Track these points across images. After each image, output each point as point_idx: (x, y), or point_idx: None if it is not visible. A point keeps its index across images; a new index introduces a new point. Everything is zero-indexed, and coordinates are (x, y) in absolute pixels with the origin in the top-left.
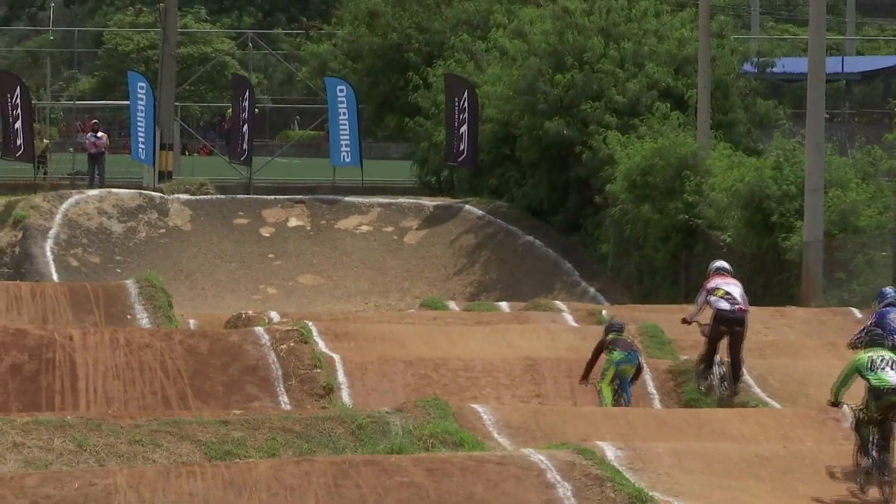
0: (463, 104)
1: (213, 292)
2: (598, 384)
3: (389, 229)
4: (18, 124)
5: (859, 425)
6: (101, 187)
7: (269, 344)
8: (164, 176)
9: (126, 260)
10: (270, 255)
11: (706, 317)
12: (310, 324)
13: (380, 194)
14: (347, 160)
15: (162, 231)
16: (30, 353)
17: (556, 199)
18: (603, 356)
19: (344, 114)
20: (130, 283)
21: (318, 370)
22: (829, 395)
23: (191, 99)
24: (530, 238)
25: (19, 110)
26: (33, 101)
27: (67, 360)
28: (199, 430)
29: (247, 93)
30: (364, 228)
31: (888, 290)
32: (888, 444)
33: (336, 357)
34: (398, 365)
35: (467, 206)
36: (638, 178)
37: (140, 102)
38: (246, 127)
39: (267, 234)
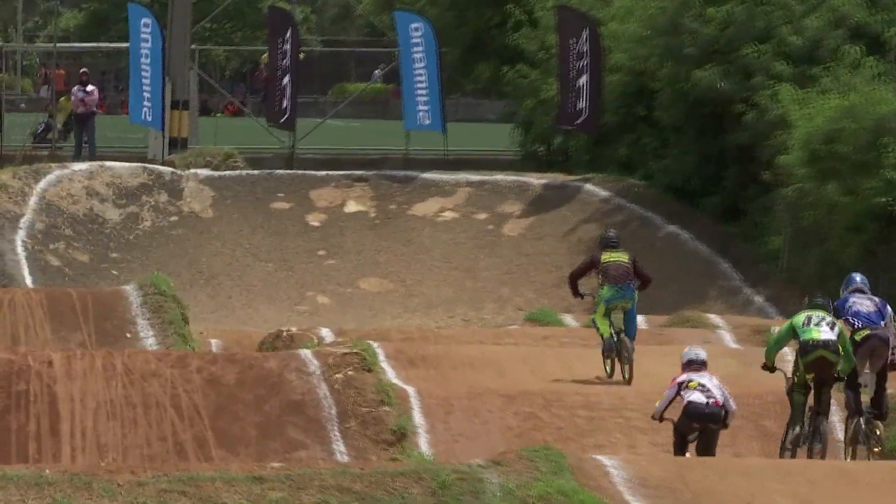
0: (581, 47)
1: (243, 301)
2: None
3: (482, 217)
4: None
5: (791, 392)
6: (91, 160)
7: (319, 372)
8: (176, 144)
9: (125, 258)
10: (321, 252)
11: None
12: (375, 345)
13: (469, 169)
14: (426, 123)
15: (174, 219)
16: None
17: (709, 176)
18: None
19: (420, 61)
20: (131, 290)
21: (387, 408)
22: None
23: (213, 41)
24: (674, 228)
25: None
26: None
27: (45, 393)
28: (225, 491)
29: (288, 32)
30: (448, 215)
31: (856, 275)
32: (823, 413)
33: (410, 390)
34: (495, 400)
35: (587, 186)
36: (821, 147)
37: (144, 45)
38: (287, 78)
39: (316, 224)
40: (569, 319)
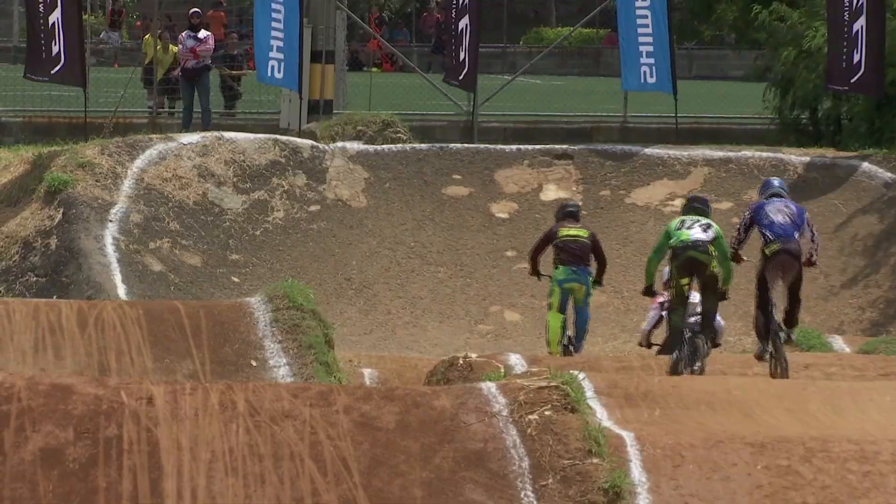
0: None
1: (405, 318)
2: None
3: (725, 206)
4: (55, 17)
5: (671, 312)
6: (204, 130)
7: (506, 413)
8: (317, 109)
9: (249, 260)
10: (509, 253)
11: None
12: (581, 376)
13: (707, 143)
14: (650, 82)
15: (315, 209)
16: (77, 429)
17: None
18: None
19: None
20: (257, 303)
21: (596, 460)
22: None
23: None
24: None
25: None
26: None
27: (144, 440)
28: None
29: None
30: (678, 204)
31: (774, 179)
32: (707, 328)
33: (627, 436)
34: (739, 451)
35: (866, 165)
36: None
37: None
38: (466, 21)
39: (504, 215)
40: (839, 343)
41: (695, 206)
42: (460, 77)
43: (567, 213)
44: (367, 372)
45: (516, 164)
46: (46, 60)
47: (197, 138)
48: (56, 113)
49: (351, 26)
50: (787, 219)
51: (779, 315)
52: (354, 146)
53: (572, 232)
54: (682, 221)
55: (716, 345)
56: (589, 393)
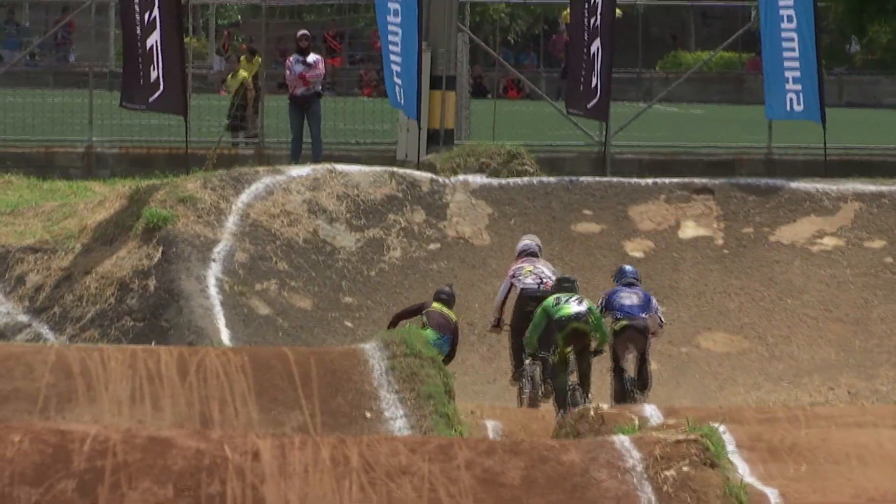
0: None
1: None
2: None
3: (878, 245)
4: (152, 42)
5: (554, 374)
6: (315, 162)
7: (641, 468)
8: (437, 139)
9: (364, 303)
10: None
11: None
12: (722, 429)
13: (859, 175)
14: (797, 110)
15: (434, 247)
16: (177, 486)
17: None
18: None
19: (790, 20)
20: (372, 349)
21: None
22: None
23: None
24: None
25: (152, 13)
26: None
27: (250, 497)
28: None
29: None
30: (828, 243)
31: (627, 267)
32: (584, 386)
33: (772, 494)
34: None
35: None
36: None
37: None
38: (597, 45)
39: (639, 254)
40: None
41: (564, 285)
42: (589, 105)
43: (439, 299)
44: (490, 424)
45: (652, 199)
46: (144, 87)
47: (307, 171)
48: (155, 143)
49: (474, 49)
50: (636, 302)
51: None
52: (477, 179)
53: (435, 308)
54: (558, 299)
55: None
56: (730, 447)
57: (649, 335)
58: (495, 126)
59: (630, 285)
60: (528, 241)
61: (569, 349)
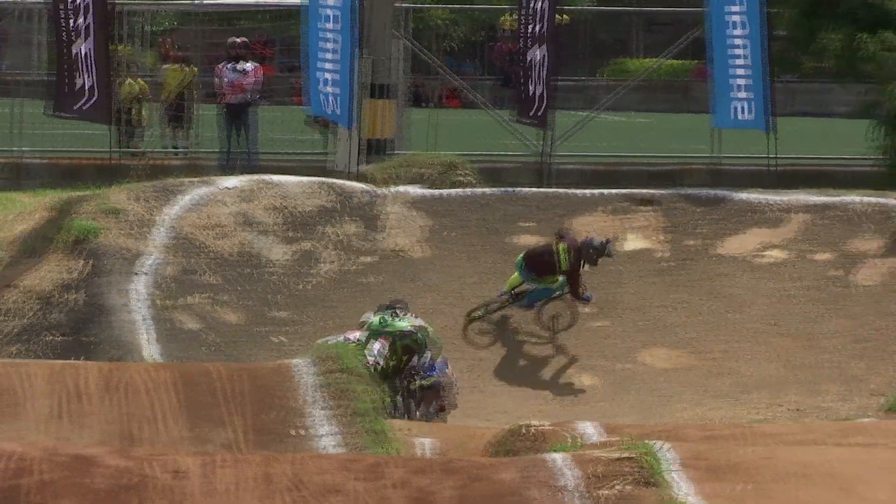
0: None
1: (470, 382)
2: None
3: (825, 257)
4: (83, 49)
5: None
6: (247, 172)
7: (578, 487)
8: (375, 149)
9: (296, 317)
10: (584, 309)
11: None
12: (664, 446)
13: (807, 187)
14: (745, 119)
15: (369, 260)
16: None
17: None
18: None
19: (739, 26)
20: (303, 365)
21: None
22: None
23: None
24: None
25: (86, 20)
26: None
27: None
28: None
29: None
30: (774, 255)
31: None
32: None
33: None
34: None
35: None
36: None
37: (325, 1)
38: (540, 52)
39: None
40: None
41: (395, 308)
42: (531, 113)
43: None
44: (425, 442)
45: (594, 211)
46: (74, 95)
47: (238, 182)
48: (83, 154)
49: (415, 57)
50: None
51: None
52: (415, 190)
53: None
54: (384, 318)
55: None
56: (672, 465)
57: None
58: (435, 136)
59: None
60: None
61: (403, 360)
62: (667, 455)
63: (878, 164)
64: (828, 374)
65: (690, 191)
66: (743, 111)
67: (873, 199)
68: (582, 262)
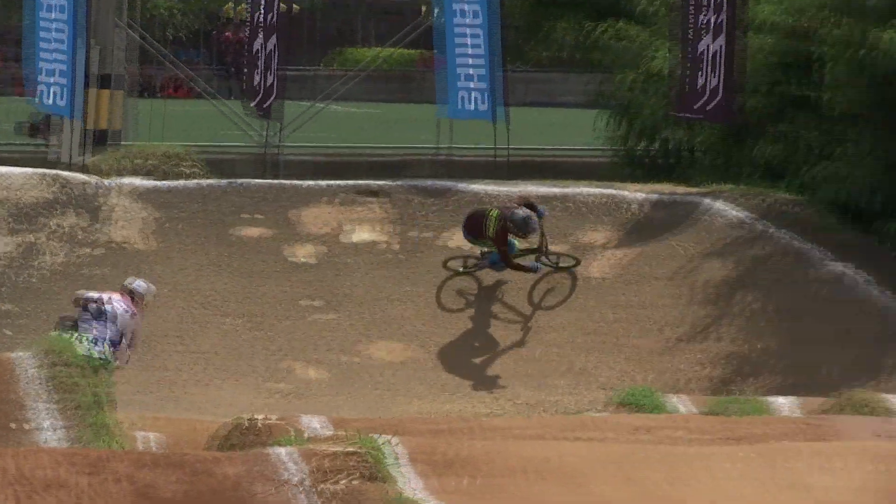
0: None
1: (195, 375)
2: None
3: (554, 248)
4: None
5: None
6: None
7: (303, 482)
8: (101, 140)
9: (20, 311)
10: (309, 302)
11: None
12: (387, 441)
13: (537, 177)
14: (479, 108)
15: (94, 252)
16: None
17: None
18: None
19: (470, 15)
20: (24, 358)
21: None
22: None
23: None
24: (842, 267)
25: None
26: None
27: None
28: None
29: None
30: None
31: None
32: None
33: None
34: None
35: (714, 203)
36: None
37: None
38: (269, 42)
39: (304, 259)
40: (680, 403)
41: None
42: (257, 103)
43: None
44: (149, 436)
45: (321, 202)
46: None
47: None
48: None
49: (143, 47)
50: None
51: None
52: (140, 182)
53: None
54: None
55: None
56: (401, 460)
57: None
58: (162, 127)
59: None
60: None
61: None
62: (394, 449)
63: (608, 154)
64: (556, 368)
65: (419, 182)
66: (474, 101)
67: (603, 190)
68: (510, 231)
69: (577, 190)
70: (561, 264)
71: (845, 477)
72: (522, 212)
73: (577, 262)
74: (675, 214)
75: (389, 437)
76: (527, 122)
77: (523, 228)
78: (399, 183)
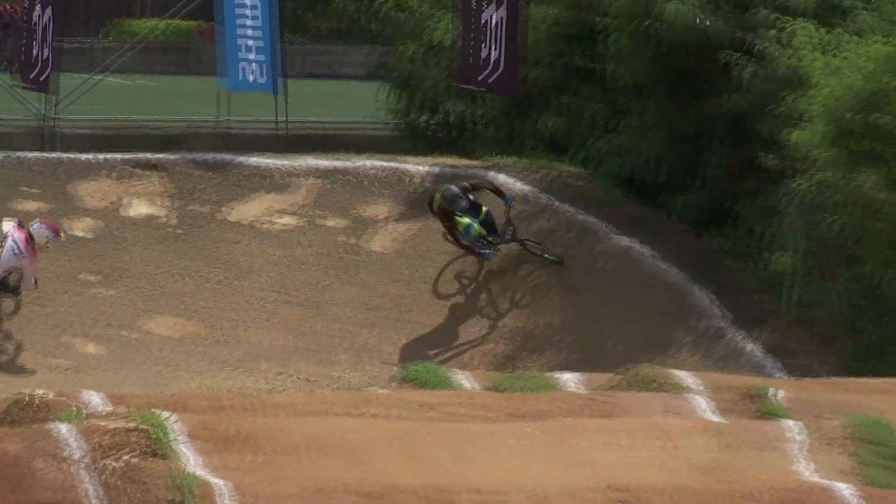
0: None
1: None
2: None
3: (335, 223)
4: None
5: None
6: None
7: (84, 458)
8: None
9: None
10: (88, 276)
11: None
12: (169, 418)
13: (317, 150)
14: (257, 81)
15: None
16: None
17: (684, 163)
18: None
19: None
20: None
21: None
22: None
23: None
24: (627, 241)
25: None
26: None
27: None
28: None
29: None
30: (284, 222)
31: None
32: None
33: (222, 485)
34: (349, 502)
35: (496, 175)
36: (853, 116)
37: None
38: (44, 14)
39: (82, 233)
40: (462, 379)
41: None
42: (33, 77)
43: None
44: None
45: (98, 176)
46: None
47: None
48: None
49: None
50: None
51: None
52: None
53: None
54: None
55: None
56: (180, 436)
57: None
58: None
59: None
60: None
61: None
62: (174, 426)
63: (389, 127)
64: (339, 344)
65: (197, 155)
66: (253, 73)
67: (385, 164)
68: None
69: (359, 163)
70: (547, 255)
71: (632, 454)
72: (457, 189)
73: (561, 262)
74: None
75: (168, 413)
76: (307, 95)
77: (450, 203)
78: (178, 156)
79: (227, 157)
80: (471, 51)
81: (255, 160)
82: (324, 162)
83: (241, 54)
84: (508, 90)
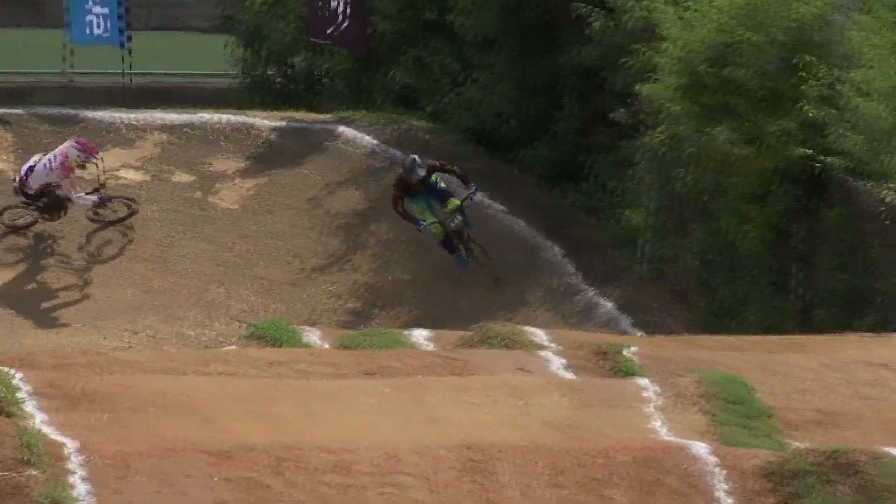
0: None
1: None
2: None
3: (182, 178)
4: None
5: None
6: None
7: None
8: None
9: None
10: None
11: None
12: (14, 374)
13: (163, 104)
14: (102, 34)
15: None
16: None
17: (534, 116)
18: None
19: None
20: None
21: (31, 470)
22: None
23: None
24: (477, 195)
25: None
26: None
27: None
28: None
29: None
30: (129, 176)
31: None
32: None
33: (69, 443)
34: (198, 460)
35: (345, 130)
36: (706, 69)
37: None
38: None
39: None
40: (313, 335)
41: None
42: None
43: None
44: None
45: None
46: None
47: None
48: None
49: None
50: None
51: None
52: None
53: None
54: None
55: None
56: (23, 394)
57: None
58: None
59: None
60: None
61: None
62: (19, 383)
63: (237, 81)
64: (186, 300)
65: (42, 109)
66: (98, 26)
67: (232, 118)
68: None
69: (206, 117)
70: (489, 264)
71: (483, 411)
72: (419, 160)
73: (499, 281)
74: (306, 142)
75: (13, 370)
76: (153, 48)
77: (407, 173)
78: (23, 111)
79: (73, 111)
80: (319, 3)
81: (100, 114)
82: (170, 116)
83: (87, 7)
84: (356, 44)
